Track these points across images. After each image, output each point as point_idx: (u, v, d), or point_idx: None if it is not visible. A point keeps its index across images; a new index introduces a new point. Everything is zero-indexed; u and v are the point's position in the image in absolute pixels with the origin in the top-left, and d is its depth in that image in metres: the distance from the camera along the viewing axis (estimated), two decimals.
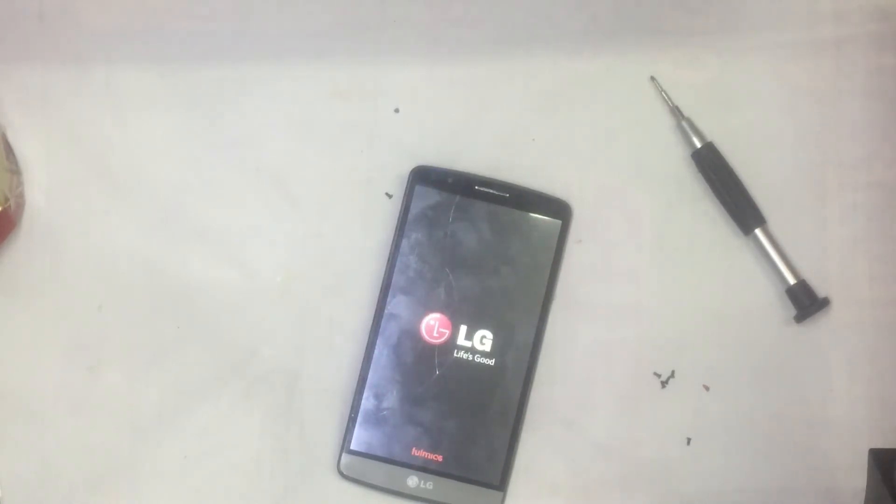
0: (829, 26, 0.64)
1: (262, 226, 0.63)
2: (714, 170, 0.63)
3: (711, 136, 0.63)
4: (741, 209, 0.63)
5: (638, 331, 0.63)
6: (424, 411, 0.61)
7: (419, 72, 0.64)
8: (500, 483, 0.61)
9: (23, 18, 0.64)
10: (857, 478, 0.59)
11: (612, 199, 0.64)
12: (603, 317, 0.63)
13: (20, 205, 0.62)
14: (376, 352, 0.61)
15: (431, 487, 0.60)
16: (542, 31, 0.64)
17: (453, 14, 0.64)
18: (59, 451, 0.62)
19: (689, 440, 0.62)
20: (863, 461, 0.58)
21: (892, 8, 0.64)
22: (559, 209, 0.62)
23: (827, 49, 0.64)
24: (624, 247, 0.63)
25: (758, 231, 0.63)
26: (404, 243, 0.62)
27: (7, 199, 0.61)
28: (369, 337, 0.61)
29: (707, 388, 0.62)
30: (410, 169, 0.63)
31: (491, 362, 0.61)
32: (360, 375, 0.61)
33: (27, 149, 0.63)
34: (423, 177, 0.62)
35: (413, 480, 0.61)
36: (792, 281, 0.62)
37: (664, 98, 0.64)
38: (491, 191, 0.62)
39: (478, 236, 0.62)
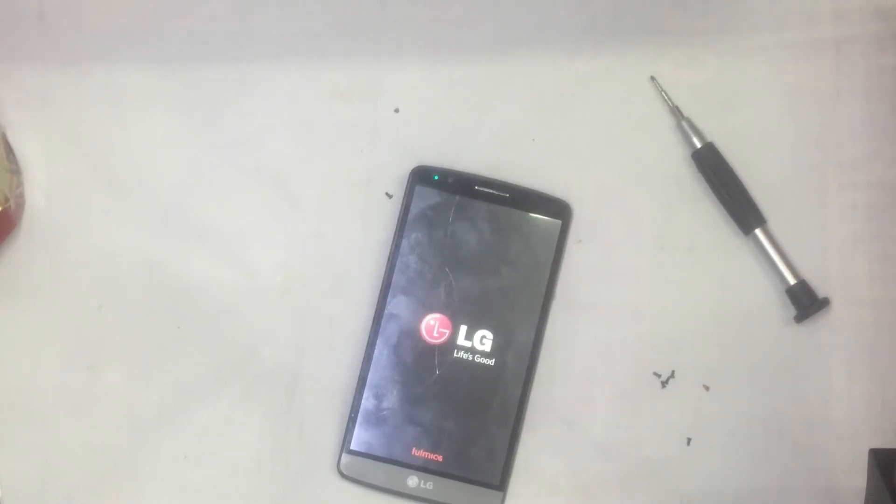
0: (829, 26, 0.64)
1: (262, 226, 0.63)
2: (714, 170, 0.63)
3: (711, 136, 0.63)
4: (741, 209, 0.63)
5: (638, 331, 0.63)
6: (424, 411, 0.61)
7: (419, 72, 0.64)
8: (500, 483, 0.61)
9: (23, 18, 0.64)
10: (857, 478, 0.59)
11: (612, 199, 0.64)
12: (603, 317, 0.63)
13: (20, 205, 0.62)
14: (376, 352, 0.61)
15: (431, 487, 0.60)
16: (542, 31, 0.64)
17: (453, 14, 0.64)
18: (59, 451, 0.62)
19: (689, 440, 0.62)
20: (863, 461, 0.58)
21: (892, 8, 0.64)
22: (559, 209, 0.62)
23: (827, 49, 0.64)
24: (624, 247, 0.63)
25: (758, 231, 0.63)
26: (404, 243, 0.62)
27: (7, 199, 0.61)
28: (369, 337, 0.61)
29: (707, 388, 0.62)
30: (410, 169, 0.63)
31: (491, 362, 0.61)
32: (360, 375, 0.61)
33: (27, 149, 0.63)
34: (423, 177, 0.62)
35: (413, 480, 0.61)
36: (792, 281, 0.62)
37: (664, 98, 0.64)
38: (491, 191, 0.62)
39: (478, 236, 0.62)
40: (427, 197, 0.62)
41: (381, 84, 0.64)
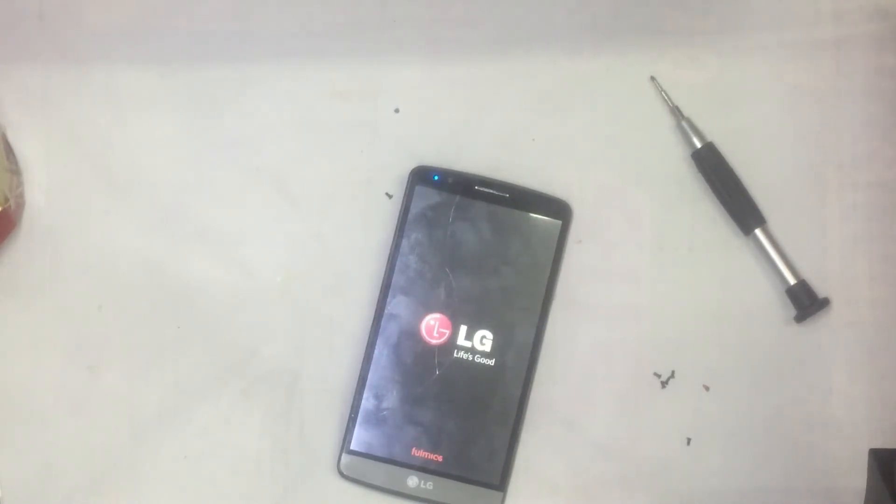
0: (829, 26, 0.64)
1: (262, 226, 0.63)
2: (714, 170, 0.63)
3: (711, 136, 0.63)
4: (741, 209, 0.63)
5: (638, 331, 0.63)
6: (424, 411, 0.61)
7: (419, 72, 0.64)
8: (500, 483, 0.61)
9: (23, 18, 0.64)
10: (857, 478, 0.59)
11: (612, 199, 0.64)
12: (603, 317, 0.63)
13: (20, 205, 0.62)
14: (376, 352, 0.61)
15: (431, 487, 0.60)
16: (542, 31, 0.64)
17: (453, 14, 0.64)
18: (59, 451, 0.62)
19: (689, 440, 0.62)
20: (863, 461, 0.58)
21: (892, 8, 0.64)
22: (559, 209, 0.62)
23: (827, 49, 0.64)
24: (624, 247, 0.63)
25: (758, 231, 0.63)
26: (404, 243, 0.62)
27: (7, 199, 0.61)
28: (369, 337, 0.61)
29: (707, 388, 0.62)
30: (410, 169, 0.63)
31: (491, 362, 0.61)
32: (360, 375, 0.61)
33: (27, 149, 0.63)
34: (423, 177, 0.62)
35: (413, 480, 0.61)
36: (792, 281, 0.62)
37: (664, 98, 0.64)
38: (491, 191, 0.62)
39: (478, 236, 0.62)
40: (427, 197, 0.62)
41: (381, 84, 0.64)
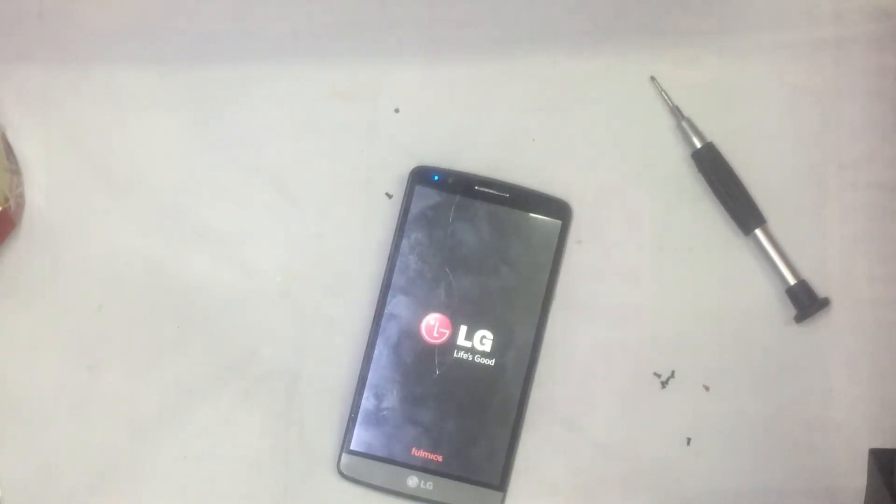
0: (829, 26, 0.64)
1: (262, 226, 0.63)
2: (714, 170, 0.63)
3: (711, 136, 0.63)
4: (741, 209, 0.63)
5: (638, 331, 0.63)
6: (424, 411, 0.61)
7: (419, 72, 0.64)
8: (500, 483, 0.61)
9: (23, 18, 0.64)
10: (857, 478, 0.59)
11: (612, 199, 0.64)
12: (603, 317, 0.63)
13: (20, 205, 0.62)
14: (376, 352, 0.61)
15: (431, 487, 0.60)
16: (542, 31, 0.64)
17: (453, 14, 0.64)
18: (59, 451, 0.62)
19: (689, 440, 0.62)
20: (863, 461, 0.58)
21: (892, 8, 0.64)
22: (559, 209, 0.62)
23: (827, 49, 0.64)
24: (624, 247, 0.63)
25: (758, 231, 0.63)
26: (404, 243, 0.62)
27: (7, 199, 0.61)
28: (369, 337, 0.61)
29: (707, 388, 0.62)
30: (410, 169, 0.63)
31: (491, 362, 0.61)
32: (360, 375, 0.61)
33: (27, 149, 0.63)
34: (423, 177, 0.62)
35: (413, 480, 0.61)
36: (792, 281, 0.62)
37: (664, 98, 0.64)
38: (491, 191, 0.62)
39: (478, 236, 0.62)
40: (427, 197, 0.62)
41: (381, 84, 0.64)
